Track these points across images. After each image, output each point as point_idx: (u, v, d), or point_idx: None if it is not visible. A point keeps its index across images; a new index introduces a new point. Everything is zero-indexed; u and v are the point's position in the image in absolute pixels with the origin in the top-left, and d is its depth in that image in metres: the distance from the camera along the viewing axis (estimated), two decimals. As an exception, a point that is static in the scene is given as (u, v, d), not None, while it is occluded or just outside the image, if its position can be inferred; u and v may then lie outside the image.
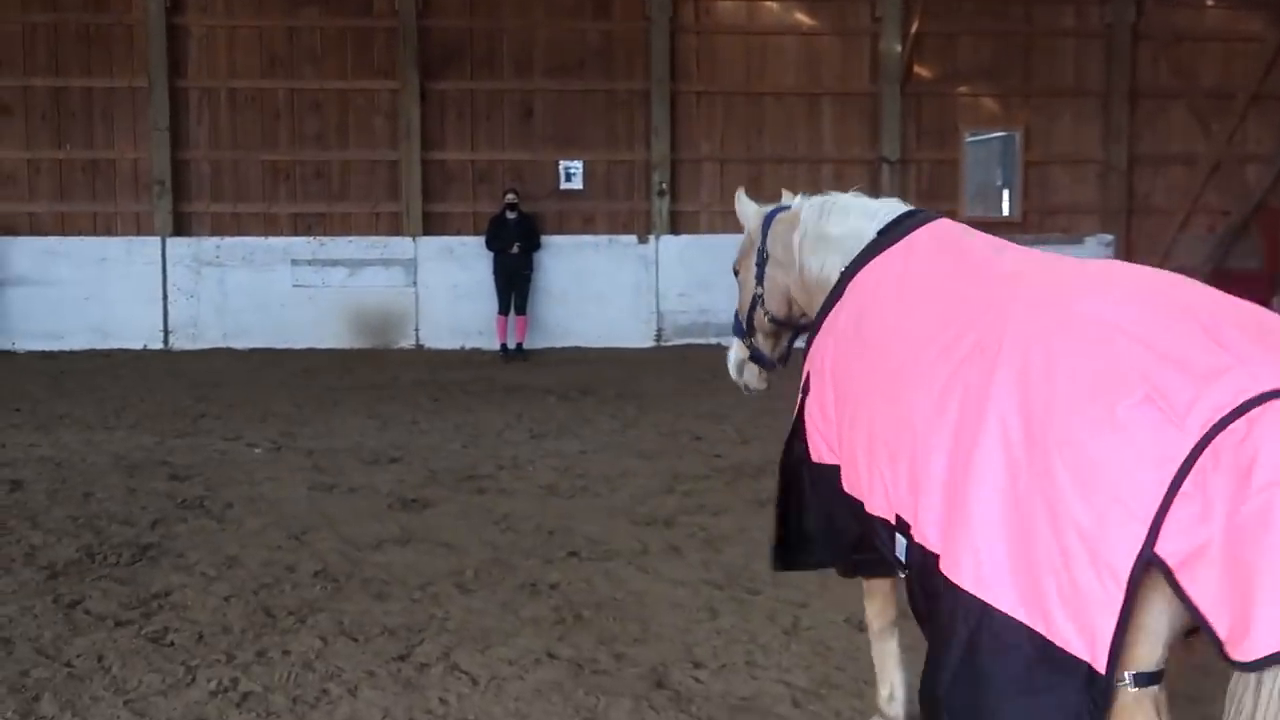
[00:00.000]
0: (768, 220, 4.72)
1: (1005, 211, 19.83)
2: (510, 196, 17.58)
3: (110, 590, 6.43)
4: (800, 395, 4.11)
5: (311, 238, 18.32)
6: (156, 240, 18.05)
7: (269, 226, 18.54)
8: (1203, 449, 2.63)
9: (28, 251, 17.87)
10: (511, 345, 17.51)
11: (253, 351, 17.65)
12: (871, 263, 3.97)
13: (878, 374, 3.58)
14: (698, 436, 10.91)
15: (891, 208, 4.21)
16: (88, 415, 12.12)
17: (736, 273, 4.92)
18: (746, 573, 6.68)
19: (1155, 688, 2.83)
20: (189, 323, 18.01)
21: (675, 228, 18.67)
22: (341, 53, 18.63)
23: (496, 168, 18.76)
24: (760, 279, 4.70)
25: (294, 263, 18.08)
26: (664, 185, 18.66)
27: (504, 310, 17.60)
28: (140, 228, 18.36)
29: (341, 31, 18.60)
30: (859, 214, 4.25)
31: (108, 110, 18.36)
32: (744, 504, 8.31)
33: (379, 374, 15.46)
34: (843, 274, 4.07)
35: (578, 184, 18.79)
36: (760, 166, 18.96)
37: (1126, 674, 2.79)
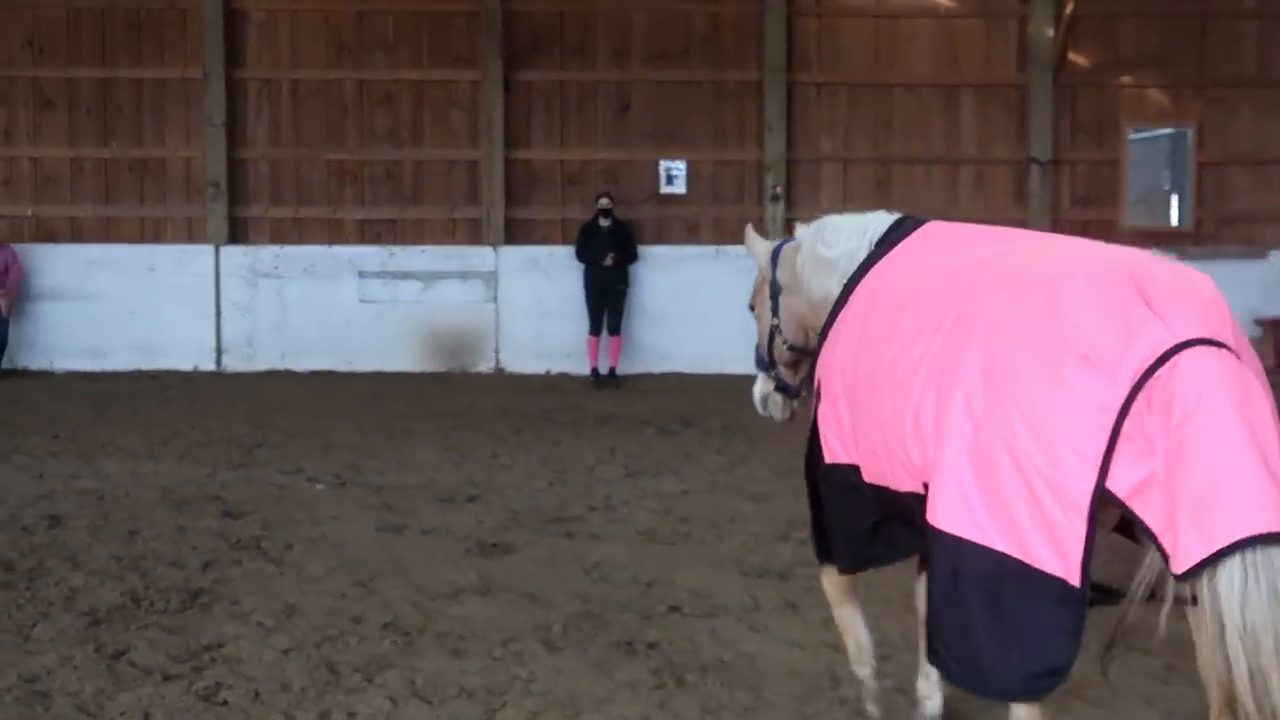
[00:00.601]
0: (776, 252, 5.81)
1: (1174, 220, 19.54)
2: (604, 201, 17.72)
3: (157, 640, 6.56)
4: (814, 402, 5.06)
5: (381, 247, 18.61)
6: (209, 249, 18.46)
7: (334, 234, 18.86)
8: (1135, 396, 3.66)
9: (68, 260, 18.36)
10: (604, 370, 17.59)
11: (314, 374, 17.95)
12: (869, 273, 4.93)
13: (882, 368, 4.47)
14: (816, 476, 10.82)
15: (881, 221, 5.17)
16: (132, 443, 12.40)
17: (753, 308, 5.98)
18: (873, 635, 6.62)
19: None
20: (244, 341, 18.38)
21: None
22: (417, 40, 18.90)
23: (588, 169, 18.90)
24: (775, 310, 5.73)
25: (361, 275, 18.38)
26: (778, 189, 18.65)
27: (595, 330, 17.69)
28: (192, 234, 18.79)
29: (417, 16, 18.87)
30: (850, 233, 5.22)
31: (158, 104, 18.81)
32: (870, 555, 8.23)
33: (455, 400, 15.61)
34: (844, 287, 5.02)
35: (680, 187, 18.86)
36: (888, 168, 18.90)
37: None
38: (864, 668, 5.32)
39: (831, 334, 4.98)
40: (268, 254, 18.49)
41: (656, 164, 18.85)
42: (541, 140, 18.91)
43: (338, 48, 18.88)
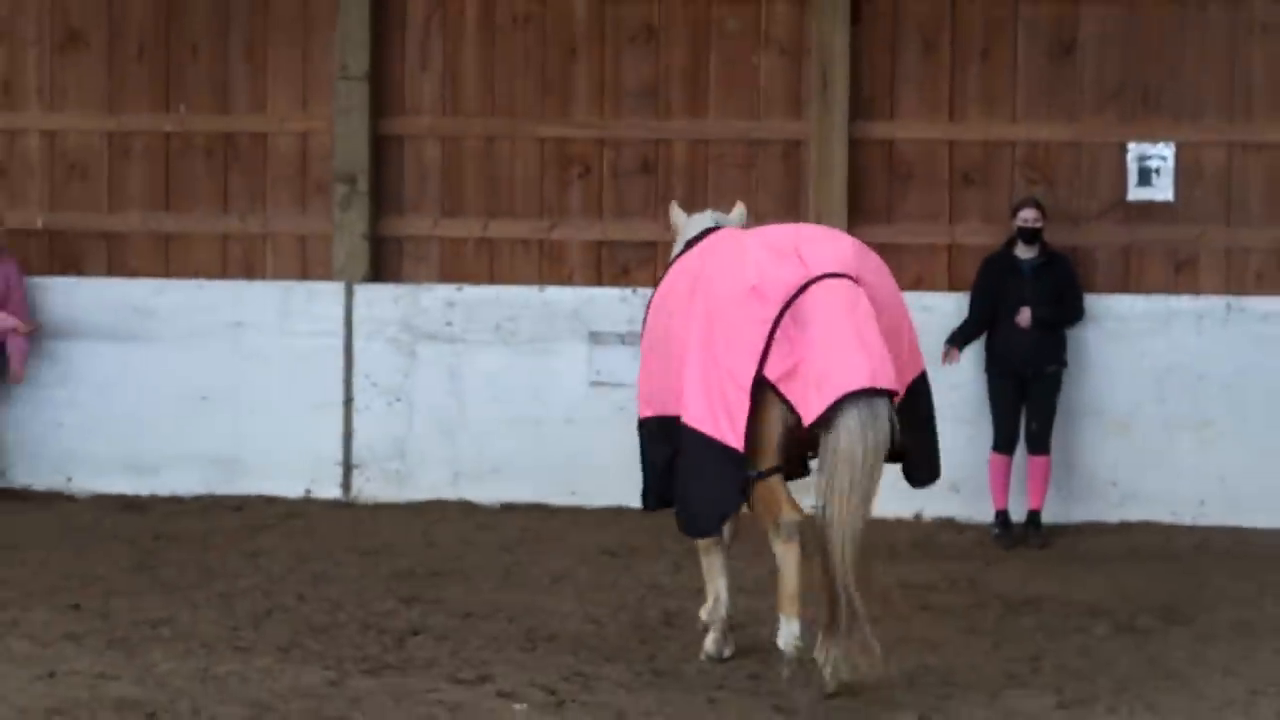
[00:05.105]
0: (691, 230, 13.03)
1: None
2: (1027, 214, 17.52)
3: None
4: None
5: (629, 290, 18.61)
6: (337, 289, 18.81)
7: (548, 266, 19.13)
8: (783, 314, 10.45)
9: (100, 304, 18.84)
10: (1019, 514, 17.52)
11: (510, 509, 18.17)
12: (672, 268, 12.10)
13: (663, 329, 11.59)
14: None
15: (701, 223, 12.62)
16: (203, 624, 12.72)
17: None
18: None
19: (776, 477, 10.80)
20: (392, 450, 18.66)
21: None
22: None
23: (998, 156, 18.77)
24: None
25: (595, 337, 18.54)
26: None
27: (1006, 445, 17.56)
28: (307, 264, 19.27)
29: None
30: (683, 236, 12.61)
31: (255, 41, 19.36)
32: None
33: (762, 559, 15.62)
34: (661, 278, 12.40)
35: (1164, 190, 18.47)
36: None
37: (755, 471, 10.69)
38: (715, 617, 12.12)
39: (649, 314, 12.04)
40: (435, 299, 18.72)
41: (1123, 149, 18.62)
42: (913, 105, 18.91)
43: (562, -58, 19.10)
